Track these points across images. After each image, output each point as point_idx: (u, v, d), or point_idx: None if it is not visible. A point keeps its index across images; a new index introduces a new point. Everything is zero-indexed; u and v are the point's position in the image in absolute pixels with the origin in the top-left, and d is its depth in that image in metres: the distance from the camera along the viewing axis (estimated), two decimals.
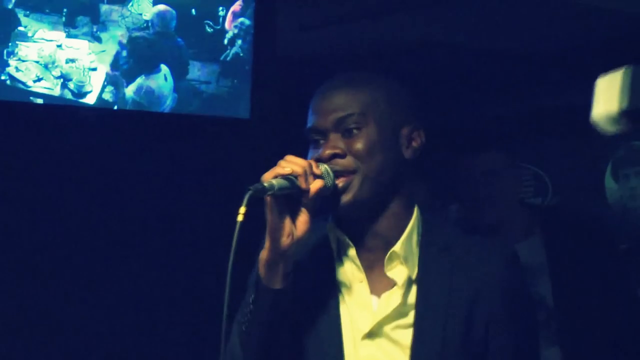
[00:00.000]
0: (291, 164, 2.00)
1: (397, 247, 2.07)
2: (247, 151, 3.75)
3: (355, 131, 2.07)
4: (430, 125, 2.18)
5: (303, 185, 2.00)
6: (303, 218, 2.02)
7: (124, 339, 3.56)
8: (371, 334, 2.07)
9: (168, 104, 3.48)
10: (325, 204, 2.08)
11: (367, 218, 2.09)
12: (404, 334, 2.06)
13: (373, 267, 2.10)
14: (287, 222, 2.01)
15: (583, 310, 3.27)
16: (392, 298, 2.07)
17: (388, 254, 2.07)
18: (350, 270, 2.11)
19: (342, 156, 2.07)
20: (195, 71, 3.52)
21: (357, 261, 2.10)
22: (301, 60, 4.08)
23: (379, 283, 2.09)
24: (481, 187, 3.38)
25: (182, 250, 3.66)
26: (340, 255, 2.13)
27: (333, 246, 2.13)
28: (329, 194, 2.06)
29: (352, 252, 2.11)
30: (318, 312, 2.10)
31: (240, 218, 1.92)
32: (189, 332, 3.66)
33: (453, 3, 3.99)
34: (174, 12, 3.47)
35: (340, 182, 2.05)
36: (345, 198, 2.06)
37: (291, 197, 2.01)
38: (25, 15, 3.23)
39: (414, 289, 2.07)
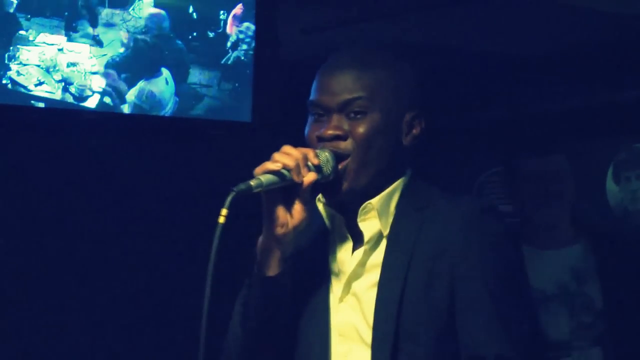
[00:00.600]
0: (284, 158, 2.01)
1: (374, 200, 2.07)
2: (249, 155, 3.71)
3: (359, 115, 2.07)
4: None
5: (295, 178, 2.00)
6: (298, 208, 2.03)
7: (125, 338, 3.56)
8: (343, 296, 2.09)
9: (169, 108, 3.48)
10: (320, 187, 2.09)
11: (360, 199, 2.09)
12: (372, 290, 2.06)
13: (358, 239, 2.10)
14: (281, 211, 2.02)
15: (632, 313, 3.36)
16: (360, 255, 2.09)
17: (363, 205, 2.07)
18: (341, 242, 2.12)
19: (344, 138, 2.06)
20: (197, 75, 3.52)
21: (347, 233, 2.11)
22: (303, 64, 4.07)
23: (357, 240, 2.10)
24: (548, 187, 3.44)
25: (183, 253, 3.66)
26: (333, 228, 2.14)
27: (325, 219, 2.14)
28: (329, 181, 2.06)
29: (342, 225, 2.11)
30: (313, 289, 2.12)
31: (221, 220, 1.93)
32: (189, 334, 3.66)
33: (456, 6, 3.98)
34: (164, 13, 3.46)
35: (339, 166, 2.05)
36: (343, 187, 2.06)
37: (286, 187, 2.01)
38: (27, 20, 3.23)
39: (382, 244, 2.07)
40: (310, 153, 2.03)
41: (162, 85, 3.47)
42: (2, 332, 3.37)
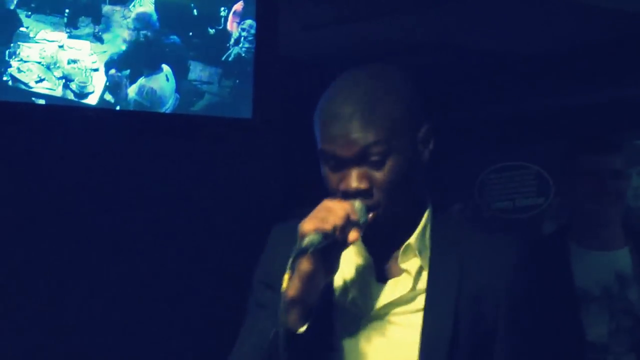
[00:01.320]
0: (333, 217, 1.93)
1: (412, 239, 2.04)
2: (250, 151, 3.74)
3: (379, 162, 1.99)
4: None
5: (340, 237, 1.94)
6: (333, 266, 1.98)
7: (127, 337, 3.56)
8: (375, 317, 2.06)
9: (170, 105, 3.48)
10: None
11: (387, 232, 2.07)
12: (411, 318, 2.04)
13: (382, 257, 2.07)
14: (318, 269, 1.95)
15: None
16: (402, 283, 2.06)
17: (403, 247, 2.04)
18: (357, 261, 2.09)
19: (370, 190, 2.00)
20: (197, 72, 3.52)
21: (364, 252, 2.07)
22: (303, 60, 4.08)
23: (388, 272, 2.07)
24: (606, 186, 3.45)
25: (185, 250, 3.66)
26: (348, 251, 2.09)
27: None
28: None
29: (359, 242, 2.05)
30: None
31: (284, 285, 1.89)
32: (190, 333, 3.66)
33: (457, 4, 3.98)
34: (164, 9, 3.45)
35: (369, 215, 2.00)
36: (377, 223, 2.01)
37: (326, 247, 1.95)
38: (27, 16, 3.23)
39: (424, 275, 2.05)
40: (350, 208, 1.96)
41: (163, 81, 3.47)
42: (4, 331, 3.37)
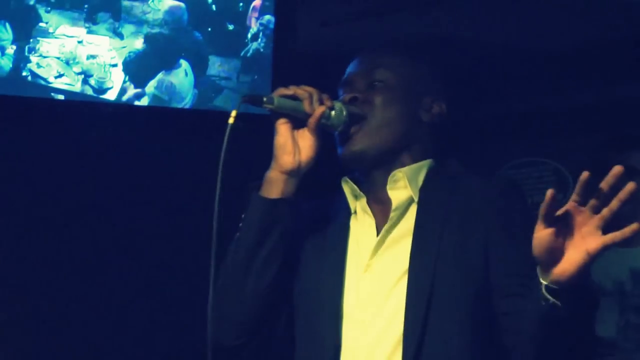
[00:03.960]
0: (297, 88, 2.12)
1: (404, 169, 2.13)
2: (268, 147, 3.74)
3: (378, 84, 2.18)
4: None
5: (306, 109, 2.10)
6: (307, 142, 2.13)
7: (139, 334, 3.57)
8: (370, 265, 2.10)
9: (188, 100, 3.49)
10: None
11: (376, 170, 2.17)
12: (402, 257, 2.07)
13: (383, 214, 2.14)
14: (290, 141, 2.13)
15: None
16: (389, 222, 2.11)
17: (392, 173, 2.13)
18: (362, 219, 2.16)
19: (362, 100, 2.17)
20: (216, 67, 3.53)
21: (368, 210, 2.15)
22: (322, 56, 4.07)
23: (385, 223, 2.13)
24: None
25: (204, 245, 3.66)
26: (355, 206, 2.18)
27: (348, 198, 2.18)
28: (338, 132, 2.15)
29: (363, 201, 2.16)
30: (325, 255, 2.15)
31: (231, 120, 2.09)
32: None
33: None
34: (183, 6, 3.46)
35: (353, 128, 2.14)
36: (352, 147, 2.14)
37: (296, 119, 2.12)
38: (47, 12, 3.24)
39: (413, 208, 2.11)
40: (325, 96, 2.13)
41: (182, 76, 3.47)
42: (10, 328, 3.38)
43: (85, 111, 3.36)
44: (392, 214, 2.11)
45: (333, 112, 2.12)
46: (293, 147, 2.12)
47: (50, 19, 3.24)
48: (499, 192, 2.10)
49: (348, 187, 2.18)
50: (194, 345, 3.64)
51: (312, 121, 2.11)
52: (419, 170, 2.15)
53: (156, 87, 3.42)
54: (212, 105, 3.53)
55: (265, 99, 2.09)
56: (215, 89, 3.54)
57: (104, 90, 3.34)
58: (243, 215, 2.16)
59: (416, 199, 2.11)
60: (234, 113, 2.06)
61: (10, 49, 3.19)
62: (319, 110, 2.10)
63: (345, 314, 2.08)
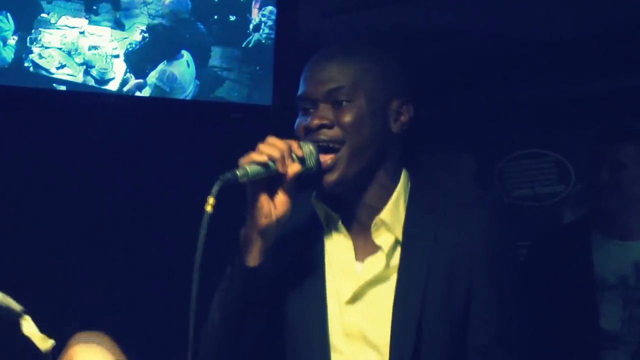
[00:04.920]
0: (269, 148, 2.04)
1: (383, 214, 2.10)
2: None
3: (345, 103, 2.09)
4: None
5: (280, 169, 2.03)
6: (282, 199, 2.06)
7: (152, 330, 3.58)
8: (354, 299, 2.10)
9: (190, 91, 3.49)
10: (311, 179, 2.11)
11: (353, 191, 2.13)
12: (386, 296, 2.08)
13: (360, 234, 2.13)
14: (266, 202, 2.04)
15: None
16: (376, 262, 2.10)
17: (374, 221, 2.10)
18: (338, 240, 2.14)
19: (330, 127, 2.09)
20: (217, 58, 3.53)
21: (344, 230, 2.13)
22: (323, 47, 4.07)
23: (364, 249, 2.12)
24: (630, 175, 3.47)
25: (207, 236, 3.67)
26: (329, 226, 2.16)
27: (321, 218, 2.16)
28: (313, 173, 2.09)
29: (339, 222, 2.14)
30: (304, 281, 2.14)
31: (208, 209, 1.96)
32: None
33: None
34: None
35: (327, 160, 2.08)
36: (331, 177, 2.09)
37: (270, 178, 2.05)
38: (48, 2, 3.24)
39: (397, 251, 2.10)
40: (294, 145, 2.07)
41: (184, 67, 3.48)
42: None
43: (87, 102, 3.36)
44: (380, 255, 2.10)
45: (307, 160, 2.08)
46: (269, 207, 2.05)
47: (52, 10, 3.24)
48: (480, 233, 2.09)
49: (321, 208, 2.16)
50: None
51: (288, 180, 2.05)
52: (397, 206, 2.11)
53: (158, 78, 3.42)
54: (213, 96, 3.53)
55: (239, 174, 2.00)
56: (217, 80, 3.54)
57: (106, 81, 3.35)
58: (225, 276, 2.13)
59: (400, 239, 2.10)
60: (211, 200, 1.95)
61: (12, 40, 3.19)
62: (294, 169, 2.05)
63: (331, 344, 2.10)
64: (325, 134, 2.09)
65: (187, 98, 3.49)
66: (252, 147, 2.09)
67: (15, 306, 1.69)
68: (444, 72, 4.85)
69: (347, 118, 2.08)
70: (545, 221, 5.15)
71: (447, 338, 2.06)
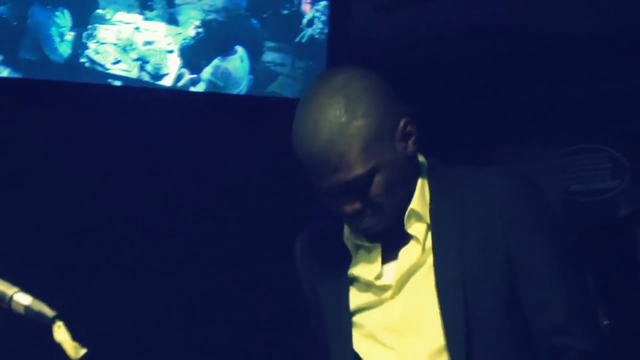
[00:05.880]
0: None
1: (413, 203, 2.06)
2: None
3: (366, 184, 2.01)
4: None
5: None
6: None
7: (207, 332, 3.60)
8: (399, 288, 2.09)
9: (244, 86, 3.50)
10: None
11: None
12: (427, 281, 2.06)
13: (388, 233, 2.10)
14: None
15: None
16: (411, 249, 2.08)
17: (407, 213, 2.06)
18: (364, 250, 2.15)
19: (364, 211, 2.04)
20: (271, 53, 3.54)
21: (365, 239, 2.13)
22: (376, 43, 4.07)
23: (397, 244, 2.10)
24: None
25: (260, 231, 3.69)
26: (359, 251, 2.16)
27: (350, 249, 2.15)
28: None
29: (378, 248, 2.12)
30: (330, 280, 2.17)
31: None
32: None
33: None
34: None
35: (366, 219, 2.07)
36: (372, 231, 2.10)
37: None
38: None
39: (429, 235, 2.08)
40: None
41: (237, 63, 3.49)
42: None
43: (142, 97, 3.39)
44: (414, 243, 2.10)
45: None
46: None
47: (107, 6, 3.27)
48: (503, 196, 2.04)
49: (351, 240, 2.15)
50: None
51: None
52: (423, 193, 2.09)
53: (212, 73, 3.44)
54: (266, 91, 3.55)
55: None
56: (270, 75, 3.55)
57: (161, 77, 3.37)
58: None
59: (428, 222, 2.08)
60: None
61: (69, 36, 3.22)
62: None
63: (376, 336, 2.12)
64: (367, 223, 2.07)
65: (241, 93, 3.50)
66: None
67: (48, 312, 1.65)
68: (500, 66, 4.82)
69: (375, 192, 2.02)
70: (599, 217, 5.11)
71: (495, 309, 2.02)
